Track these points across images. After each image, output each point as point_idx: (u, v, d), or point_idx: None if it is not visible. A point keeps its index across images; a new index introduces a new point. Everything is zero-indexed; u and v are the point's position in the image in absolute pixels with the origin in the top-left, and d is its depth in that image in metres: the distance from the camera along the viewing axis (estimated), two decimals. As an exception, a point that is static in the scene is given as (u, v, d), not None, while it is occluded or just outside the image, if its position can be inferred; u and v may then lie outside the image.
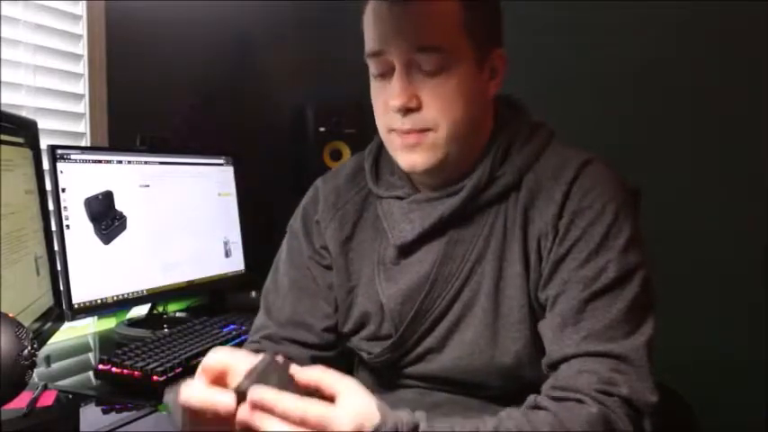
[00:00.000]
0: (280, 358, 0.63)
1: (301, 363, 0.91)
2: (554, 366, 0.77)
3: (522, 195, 0.85)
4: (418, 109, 0.82)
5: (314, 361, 0.93)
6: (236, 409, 0.60)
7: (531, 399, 0.74)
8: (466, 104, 0.83)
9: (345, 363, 1.01)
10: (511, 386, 0.85)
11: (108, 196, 1.32)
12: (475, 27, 0.83)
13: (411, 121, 0.82)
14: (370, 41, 0.84)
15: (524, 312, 0.83)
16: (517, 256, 0.83)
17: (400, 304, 0.88)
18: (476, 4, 0.83)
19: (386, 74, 0.84)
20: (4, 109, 0.99)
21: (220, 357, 0.64)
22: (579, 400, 0.71)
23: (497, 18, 0.88)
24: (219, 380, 0.63)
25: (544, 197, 0.83)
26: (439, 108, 0.82)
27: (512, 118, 0.90)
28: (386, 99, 0.84)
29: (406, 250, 0.89)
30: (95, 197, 1.29)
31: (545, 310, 0.81)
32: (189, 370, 1.11)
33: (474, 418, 0.69)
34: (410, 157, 0.85)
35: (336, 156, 2.00)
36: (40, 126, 1.11)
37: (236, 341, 1.25)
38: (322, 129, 2.00)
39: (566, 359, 0.76)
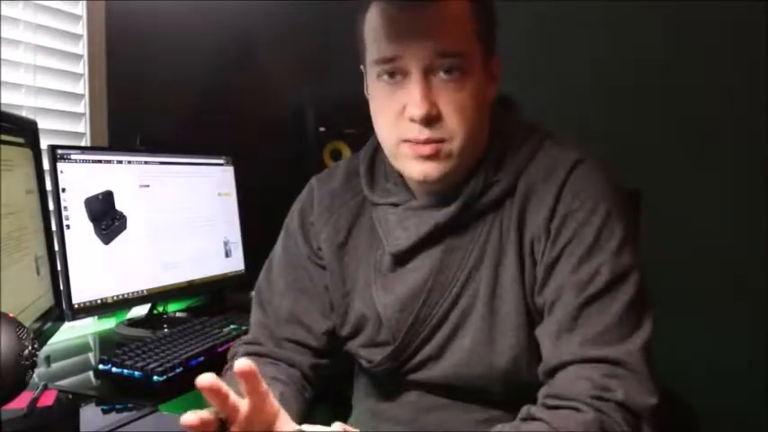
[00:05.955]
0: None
1: (303, 371, 0.91)
2: (550, 374, 0.77)
3: (516, 199, 0.84)
4: (438, 119, 0.80)
5: (314, 369, 0.93)
6: None
7: (524, 410, 0.73)
8: (478, 112, 0.82)
9: (345, 369, 1.01)
10: (511, 390, 0.84)
11: (108, 196, 1.32)
12: (483, 32, 0.82)
13: (430, 132, 0.80)
14: (383, 47, 0.81)
15: (521, 317, 0.82)
16: (513, 261, 0.83)
17: (398, 312, 0.87)
18: (483, 9, 0.83)
19: (398, 80, 0.81)
20: (4, 109, 0.99)
21: None
22: (574, 408, 0.70)
23: (495, 25, 0.87)
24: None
25: (537, 200, 0.82)
26: (459, 118, 0.80)
27: (505, 120, 0.89)
28: (398, 107, 0.81)
29: (401, 258, 0.88)
30: (95, 197, 1.29)
31: (542, 315, 0.81)
32: (189, 370, 1.11)
33: None
34: (423, 167, 0.82)
35: (336, 156, 2.00)
36: (40, 126, 1.11)
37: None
38: (322, 129, 2.00)
39: (562, 366, 0.75)
